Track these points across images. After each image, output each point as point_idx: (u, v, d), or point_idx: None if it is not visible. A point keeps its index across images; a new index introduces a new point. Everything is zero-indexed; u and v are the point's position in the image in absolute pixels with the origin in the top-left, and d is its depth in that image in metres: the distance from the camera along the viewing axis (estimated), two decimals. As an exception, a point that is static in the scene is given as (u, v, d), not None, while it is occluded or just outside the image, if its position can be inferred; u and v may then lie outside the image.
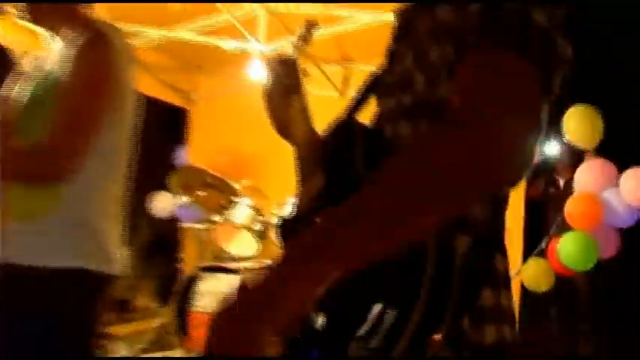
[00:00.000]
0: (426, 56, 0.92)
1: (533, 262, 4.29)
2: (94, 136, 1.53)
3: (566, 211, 4.11)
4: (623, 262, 4.31)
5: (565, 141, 4.32)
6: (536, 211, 5.35)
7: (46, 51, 1.65)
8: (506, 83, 0.78)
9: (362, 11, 4.30)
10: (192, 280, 4.14)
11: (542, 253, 4.28)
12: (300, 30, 1.28)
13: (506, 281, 0.95)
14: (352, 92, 1.15)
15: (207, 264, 4.30)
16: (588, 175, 4.09)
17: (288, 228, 1.02)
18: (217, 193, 4.39)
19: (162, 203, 5.76)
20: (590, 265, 4.03)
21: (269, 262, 0.69)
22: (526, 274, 4.28)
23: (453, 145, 0.74)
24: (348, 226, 0.73)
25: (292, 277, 0.72)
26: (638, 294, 5.37)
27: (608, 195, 4.00)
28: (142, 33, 4.64)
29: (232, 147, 5.38)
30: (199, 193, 4.45)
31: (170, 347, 4.39)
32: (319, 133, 1.17)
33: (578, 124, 4.04)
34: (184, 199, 4.71)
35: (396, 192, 0.74)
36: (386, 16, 3.95)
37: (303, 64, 1.23)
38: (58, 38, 1.63)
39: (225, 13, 4.44)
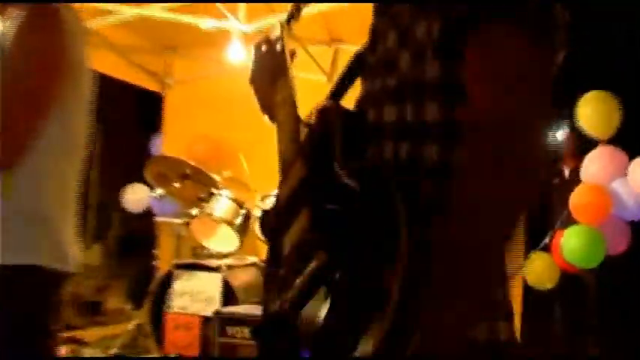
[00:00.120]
0: (412, 33, 0.93)
1: (537, 258, 4.28)
2: (43, 118, 1.52)
3: (571, 203, 4.07)
4: (634, 258, 4.28)
5: (573, 127, 4.29)
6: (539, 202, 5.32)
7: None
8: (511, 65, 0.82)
9: (352, -15, 4.22)
10: (168, 279, 4.09)
11: (547, 248, 4.29)
12: (290, 8, 1.28)
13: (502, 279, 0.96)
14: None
15: (184, 261, 4.27)
16: (597, 164, 4.03)
17: (269, 221, 0.95)
18: (195, 184, 4.34)
19: (136, 196, 5.74)
20: (596, 262, 3.98)
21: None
22: (529, 270, 4.27)
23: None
24: None
25: None
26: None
27: (618, 185, 3.93)
28: (112, 11, 4.54)
29: (211, 135, 5.34)
30: (176, 184, 4.39)
31: (145, 351, 4.37)
32: (302, 119, 1.18)
33: (594, 111, 4.05)
34: (159, 191, 4.73)
35: None
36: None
37: (289, 45, 1.23)
38: (3, 17, 1.60)
39: (202, -11, 4.36)
